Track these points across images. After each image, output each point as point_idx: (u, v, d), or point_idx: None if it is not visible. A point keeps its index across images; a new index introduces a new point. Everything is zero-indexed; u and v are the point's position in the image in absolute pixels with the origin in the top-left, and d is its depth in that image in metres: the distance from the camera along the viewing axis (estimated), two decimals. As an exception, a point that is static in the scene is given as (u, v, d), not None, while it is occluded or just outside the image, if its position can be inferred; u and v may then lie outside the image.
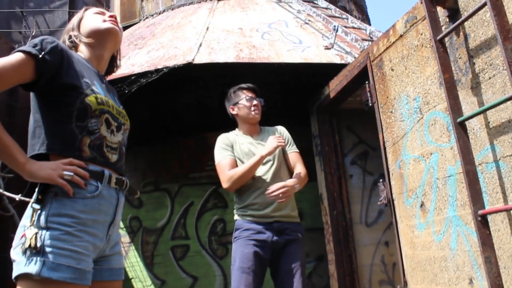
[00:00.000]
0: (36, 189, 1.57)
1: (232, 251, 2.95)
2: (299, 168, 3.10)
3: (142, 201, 5.40)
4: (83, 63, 1.76)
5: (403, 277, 3.13)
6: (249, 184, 2.98)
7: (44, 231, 1.46)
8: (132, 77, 4.30)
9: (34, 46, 1.58)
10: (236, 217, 3.03)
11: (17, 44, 6.55)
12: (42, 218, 1.48)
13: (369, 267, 4.31)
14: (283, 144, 2.95)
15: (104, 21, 1.87)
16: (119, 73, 4.51)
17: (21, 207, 4.29)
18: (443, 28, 2.64)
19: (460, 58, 2.54)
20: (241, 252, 2.86)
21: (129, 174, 5.51)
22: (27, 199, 3.90)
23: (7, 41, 5.34)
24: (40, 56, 1.55)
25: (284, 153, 3.15)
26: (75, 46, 1.85)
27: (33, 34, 6.95)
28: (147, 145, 5.62)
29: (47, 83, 1.59)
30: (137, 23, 7.23)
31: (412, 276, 3.00)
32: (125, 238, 5.39)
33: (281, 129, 3.30)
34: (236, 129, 3.26)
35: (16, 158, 1.48)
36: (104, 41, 1.87)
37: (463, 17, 2.40)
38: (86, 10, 1.93)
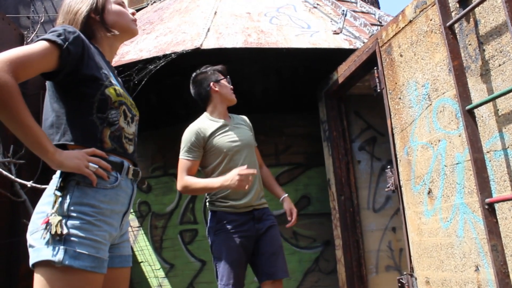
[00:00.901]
0: (56, 176, 1.58)
1: (212, 243, 2.87)
2: (268, 171, 3.25)
3: (151, 186, 5.44)
4: (98, 54, 1.75)
5: (410, 263, 3.15)
6: (222, 175, 2.86)
7: (65, 219, 1.48)
8: (140, 64, 4.30)
9: (59, 35, 1.56)
10: (212, 207, 2.93)
11: (26, 30, 6.56)
12: (64, 206, 1.50)
13: (376, 252, 4.34)
14: (243, 185, 2.65)
15: (133, 21, 1.89)
16: (127, 58, 4.55)
17: (32, 193, 4.35)
18: (453, 14, 2.60)
19: (469, 44, 2.51)
20: (227, 245, 2.81)
21: (138, 159, 5.55)
22: (38, 186, 3.96)
23: (16, 27, 5.35)
24: (65, 46, 1.54)
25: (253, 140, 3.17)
26: (91, 30, 1.79)
27: (42, 19, 6.95)
28: (155, 130, 5.64)
29: (69, 73, 1.58)
30: (144, 7, 7.20)
31: (419, 262, 3.02)
32: (134, 222, 5.45)
33: (247, 119, 3.25)
34: (205, 113, 3.10)
35: (46, 148, 1.48)
36: (124, 38, 1.91)
37: (473, 3, 2.37)
38: None
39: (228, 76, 3.15)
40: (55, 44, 1.53)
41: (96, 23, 1.80)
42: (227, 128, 3.01)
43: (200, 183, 2.83)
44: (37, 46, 1.51)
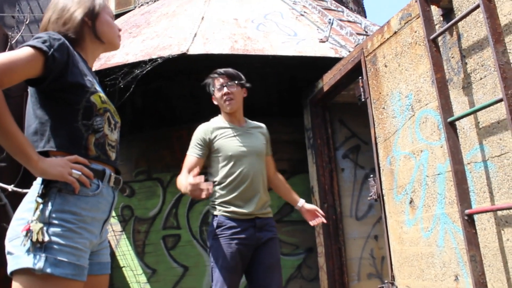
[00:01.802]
0: (37, 183, 1.56)
1: (211, 247, 2.86)
2: (283, 179, 3.17)
3: (134, 190, 5.41)
4: (82, 61, 1.74)
5: (391, 272, 3.18)
6: (231, 180, 2.87)
7: (47, 227, 1.46)
8: (126, 68, 4.28)
9: (44, 42, 1.54)
10: (214, 210, 2.90)
11: (10, 30, 6.49)
12: (46, 213, 1.48)
13: (358, 260, 4.37)
14: (196, 195, 2.46)
15: (118, 36, 1.89)
16: (113, 61, 4.53)
17: (13, 196, 4.28)
18: (437, 26, 2.65)
19: (452, 57, 2.56)
20: (225, 251, 2.79)
21: (122, 162, 5.51)
22: (20, 190, 3.91)
23: (0, 27, 5.28)
24: (50, 53, 1.53)
25: (265, 149, 3.04)
26: (80, 34, 1.76)
27: (27, 19, 6.89)
28: (140, 133, 5.61)
29: (53, 80, 1.56)
30: (131, 10, 7.19)
31: (400, 271, 3.05)
32: (116, 226, 5.41)
33: (265, 128, 3.14)
34: (220, 114, 3.08)
35: (30, 156, 1.46)
36: (107, 49, 1.90)
37: (456, 17, 2.42)
38: (100, 2, 1.85)
39: (218, 84, 2.99)
40: (40, 51, 1.52)
41: (87, 27, 1.79)
42: (236, 133, 2.96)
43: (182, 180, 2.76)
44: (22, 52, 1.50)
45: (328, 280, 4.23)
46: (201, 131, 2.97)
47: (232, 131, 2.97)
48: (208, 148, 2.95)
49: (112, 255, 5.27)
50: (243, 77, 3.04)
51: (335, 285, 4.22)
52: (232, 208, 2.84)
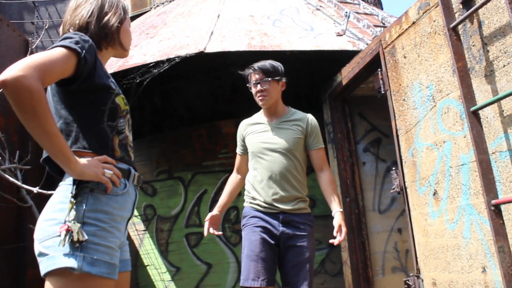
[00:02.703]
0: (67, 183, 1.58)
1: (242, 238, 2.94)
2: (329, 178, 2.92)
3: (156, 189, 5.46)
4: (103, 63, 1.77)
5: (416, 265, 3.14)
6: (254, 175, 2.93)
7: (82, 226, 1.48)
8: (144, 68, 4.32)
9: (76, 43, 1.55)
10: (245, 203, 2.98)
11: (30, 36, 6.60)
12: (80, 213, 1.50)
13: (382, 254, 4.33)
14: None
15: (129, 46, 1.92)
16: (131, 62, 4.57)
17: (38, 198, 4.37)
18: (456, 14, 2.60)
19: (473, 45, 2.51)
20: (248, 239, 2.82)
21: (143, 162, 5.58)
22: (45, 191, 3.98)
23: (20, 33, 5.38)
24: (83, 54, 1.54)
25: (298, 145, 2.92)
26: (106, 34, 1.77)
27: (46, 25, 6.99)
28: (159, 133, 5.66)
29: (82, 81, 1.58)
30: (147, 11, 7.23)
31: (425, 264, 3.01)
32: (139, 226, 5.47)
33: (307, 119, 2.98)
34: (261, 110, 3.09)
35: (69, 158, 1.48)
36: (118, 56, 1.91)
37: (477, 4, 2.37)
38: (127, 10, 1.89)
39: (253, 80, 2.97)
40: (74, 52, 1.53)
41: (113, 34, 1.81)
42: (265, 129, 2.97)
43: (223, 195, 3.13)
44: (58, 52, 1.50)
45: (352, 275, 4.21)
46: (239, 128, 3.11)
47: (261, 127, 2.99)
48: (245, 144, 3.05)
49: (136, 254, 5.34)
50: (280, 70, 2.98)
51: (359, 279, 4.19)
52: (257, 201, 2.89)
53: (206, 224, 2.95)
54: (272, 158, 2.88)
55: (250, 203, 2.93)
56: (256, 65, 2.96)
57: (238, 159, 3.13)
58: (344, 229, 2.71)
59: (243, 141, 3.05)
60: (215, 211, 3.02)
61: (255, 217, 2.86)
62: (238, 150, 3.11)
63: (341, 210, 2.82)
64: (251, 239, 2.81)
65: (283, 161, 2.87)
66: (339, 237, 2.69)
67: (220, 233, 3.01)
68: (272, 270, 2.79)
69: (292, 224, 2.82)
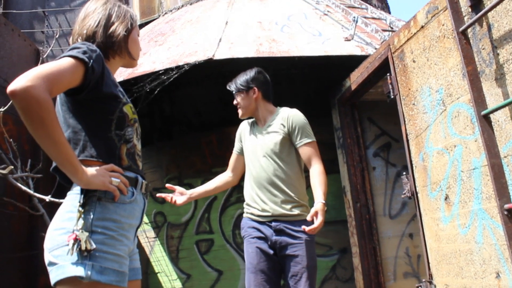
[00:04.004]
0: (74, 193, 1.59)
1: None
2: (316, 171, 2.78)
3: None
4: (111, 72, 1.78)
5: (428, 270, 3.11)
6: (246, 182, 2.94)
7: (90, 235, 1.49)
8: (153, 76, 4.34)
9: (84, 53, 1.57)
10: (243, 213, 2.97)
11: (41, 45, 6.67)
12: (88, 222, 1.51)
13: (393, 259, 4.30)
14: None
15: (138, 56, 1.93)
16: (140, 70, 4.59)
17: (50, 206, 4.40)
18: (465, 18, 2.59)
19: (483, 49, 2.50)
20: (246, 251, 2.81)
21: (153, 169, 5.60)
22: (56, 200, 4.00)
23: (31, 43, 5.43)
24: (90, 64, 1.56)
25: (284, 147, 2.85)
26: (113, 43, 1.78)
27: (56, 34, 7.06)
28: (169, 140, 5.68)
29: (90, 90, 1.59)
30: (156, 19, 7.28)
31: (438, 269, 2.98)
32: (150, 233, 5.48)
33: (287, 116, 2.89)
34: None
35: (77, 167, 1.49)
36: (127, 65, 1.93)
37: (486, 7, 2.36)
38: (135, 20, 1.90)
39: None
40: (81, 61, 1.54)
41: (120, 42, 1.82)
42: (254, 135, 3.01)
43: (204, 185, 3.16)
44: (65, 62, 1.52)
45: (364, 280, 4.18)
46: (240, 127, 3.14)
47: (252, 133, 3.03)
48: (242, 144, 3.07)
49: (147, 261, 5.34)
50: (248, 78, 3.00)
51: (371, 285, 4.16)
52: (251, 210, 2.88)
53: (175, 194, 2.92)
54: (258, 164, 2.87)
55: (246, 212, 2.92)
56: (229, 83, 3.08)
57: (233, 157, 3.13)
58: (320, 218, 2.57)
59: (241, 141, 3.08)
60: (188, 191, 2.96)
61: (251, 227, 2.84)
62: (235, 148, 3.12)
63: (323, 202, 2.66)
64: (248, 251, 2.80)
65: (269, 166, 2.82)
66: (313, 225, 2.56)
67: (176, 203, 2.91)
68: (273, 281, 2.74)
69: (286, 232, 2.73)
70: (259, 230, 2.80)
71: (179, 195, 2.91)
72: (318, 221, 2.57)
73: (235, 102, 3.03)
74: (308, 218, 2.62)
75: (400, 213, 4.44)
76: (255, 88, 2.99)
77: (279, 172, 2.81)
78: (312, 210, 2.63)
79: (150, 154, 5.59)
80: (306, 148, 2.83)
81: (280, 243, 2.73)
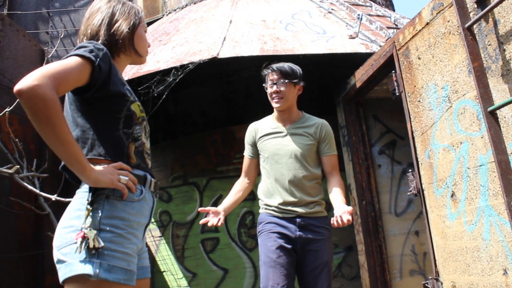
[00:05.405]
0: (83, 191, 1.59)
1: (258, 246, 2.90)
2: (338, 180, 2.85)
3: (171, 195, 5.48)
4: (118, 71, 1.77)
5: (435, 267, 3.11)
6: (267, 181, 2.90)
7: (98, 233, 1.49)
8: (158, 76, 4.35)
9: (90, 51, 1.57)
10: (260, 209, 2.95)
11: (46, 46, 6.69)
12: (96, 220, 1.51)
13: (399, 257, 4.29)
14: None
15: (147, 52, 1.92)
16: (145, 69, 4.60)
17: (56, 206, 4.41)
18: (471, 14, 2.58)
19: (489, 45, 2.49)
20: (265, 245, 2.79)
21: (158, 169, 5.61)
22: (62, 199, 4.02)
23: (36, 43, 5.45)
24: (97, 63, 1.56)
25: (311, 151, 2.89)
26: (117, 40, 1.77)
27: (61, 34, 7.08)
28: (173, 139, 5.69)
29: (97, 89, 1.59)
30: (160, 18, 7.29)
31: (444, 267, 2.98)
32: (155, 232, 5.49)
33: (320, 125, 2.93)
34: (273, 113, 3.03)
35: (85, 166, 1.49)
36: (135, 62, 1.92)
37: (492, 3, 2.35)
38: (141, 16, 1.88)
39: (269, 80, 2.92)
40: (88, 60, 1.55)
41: (124, 39, 1.81)
42: (279, 134, 2.93)
43: (228, 197, 3.03)
44: (72, 61, 1.52)
45: (370, 278, 4.17)
46: (248, 131, 3.06)
47: (276, 132, 2.96)
48: (255, 147, 3.01)
49: (153, 260, 5.36)
50: (299, 73, 2.93)
51: (377, 282, 4.15)
52: (273, 207, 2.86)
53: (211, 217, 2.77)
54: (286, 163, 2.86)
55: (266, 209, 2.90)
56: (275, 65, 2.92)
57: (246, 162, 3.06)
58: (349, 216, 2.49)
59: (254, 145, 3.02)
60: (220, 208, 2.87)
61: (271, 222, 2.83)
62: (247, 153, 3.06)
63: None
64: (267, 245, 2.78)
65: (297, 167, 2.85)
66: (342, 221, 2.48)
67: (220, 224, 2.77)
68: (291, 275, 2.75)
69: (310, 228, 2.78)
70: (280, 225, 2.80)
71: (214, 215, 2.83)
72: (346, 216, 2.50)
73: (275, 88, 2.86)
74: (341, 212, 2.55)
75: (406, 211, 4.44)
76: (301, 85, 2.97)
77: (304, 173, 2.85)
78: (344, 208, 2.56)
79: (155, 153, 5.60)
80: (331, 158, 2.93)
81: (304, 238, 2.77)
